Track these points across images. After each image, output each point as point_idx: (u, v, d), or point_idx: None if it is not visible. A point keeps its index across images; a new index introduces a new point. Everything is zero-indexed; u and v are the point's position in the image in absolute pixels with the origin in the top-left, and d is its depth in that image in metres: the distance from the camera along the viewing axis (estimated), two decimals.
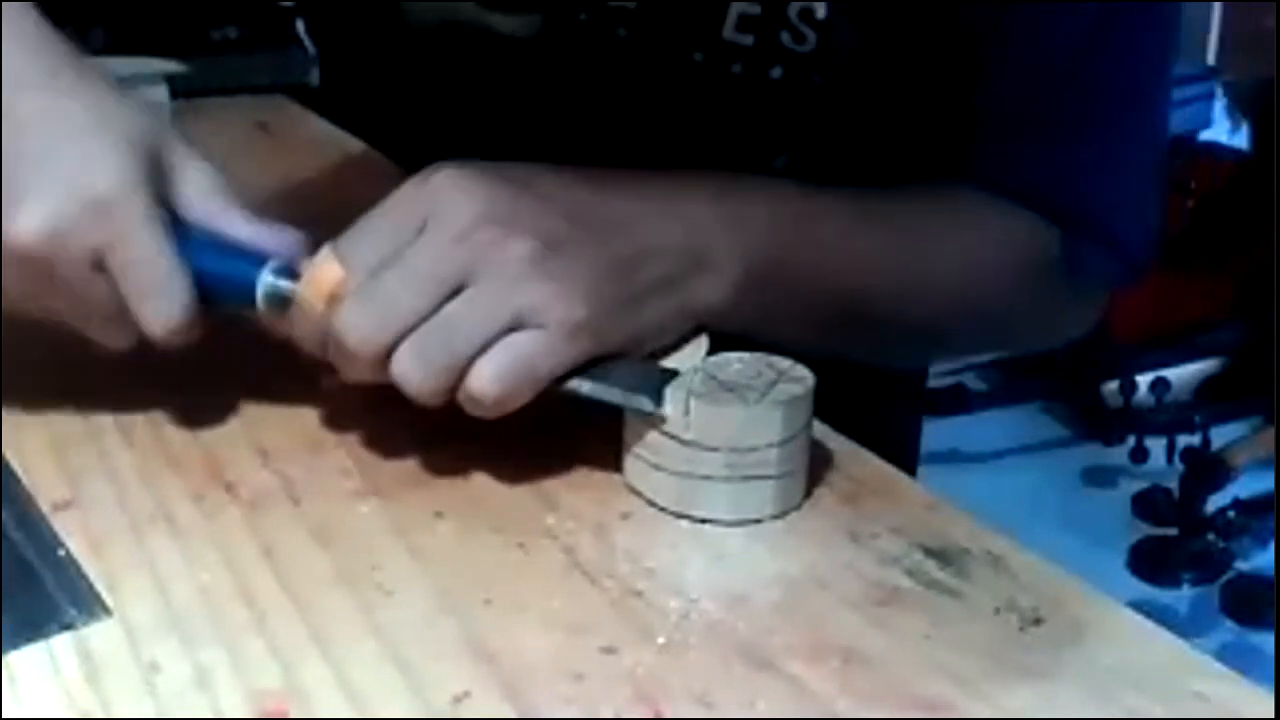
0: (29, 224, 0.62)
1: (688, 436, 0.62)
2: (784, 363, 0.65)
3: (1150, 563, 2.37)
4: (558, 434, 0.68)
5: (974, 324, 0.84)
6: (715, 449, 0.62)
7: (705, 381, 0.64)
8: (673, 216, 0.68)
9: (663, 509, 0.63)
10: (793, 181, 0.75)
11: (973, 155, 0.81)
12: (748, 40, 0.81)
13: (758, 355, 0.66)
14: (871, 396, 0.85)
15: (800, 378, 0.64)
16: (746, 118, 0.83)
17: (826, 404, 0.66)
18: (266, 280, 0.65)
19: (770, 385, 0.63)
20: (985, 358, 2.75)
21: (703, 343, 0.68)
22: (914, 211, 0.79)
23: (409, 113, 0.95)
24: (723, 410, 0.62)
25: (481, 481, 0.65)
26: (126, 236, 0.63)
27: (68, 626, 0.55)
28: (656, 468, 0.63)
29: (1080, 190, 0.82)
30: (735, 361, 0.65)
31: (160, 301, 0.65)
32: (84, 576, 0.58)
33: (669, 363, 0.65)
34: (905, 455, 0.98)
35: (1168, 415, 2.48)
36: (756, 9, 0.80)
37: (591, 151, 0.70)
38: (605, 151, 0.70)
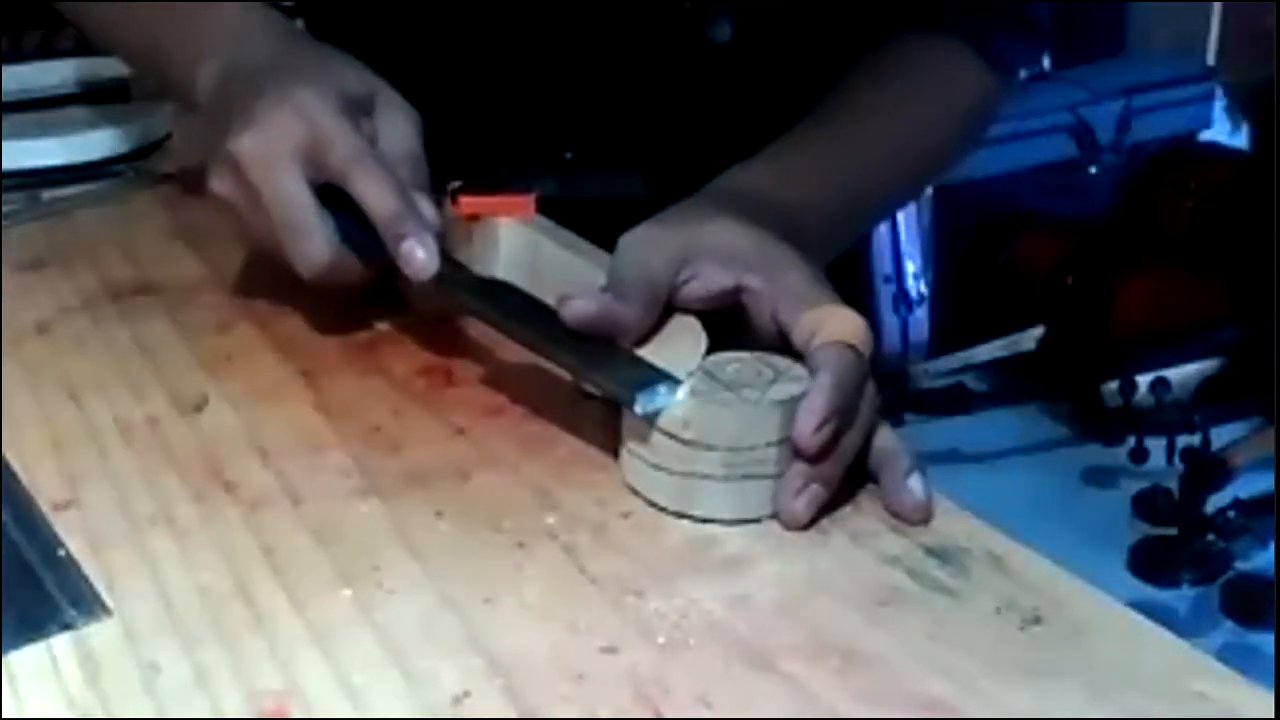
0: (241, 146, 0.74)
1: (686, 436, 0.62)
2: (782, 362, 0.65)
3: (1150, 563, 2.37)
4: (558, 434, 0.68)
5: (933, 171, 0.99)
6: (714, 448, 0.62)
7: (704, 380, 0.64)
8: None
9: (662, 509, 0.63)
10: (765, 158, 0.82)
11: None
12: None
13: (756, 354, 0.66)
14: None
15: (798, 377, 0.64)
16: None
17: None
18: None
19: (769, 384, 0.63)
20: (984, 358, 2.75)
21: (701, 341, 0.68)
22: (869, 113, 0.88)
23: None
24: (721, 409, 0.62)
25: (481, 481, 0.65)
26: (270, 180, 0.73)
27: (68, 626, 0.55)
28: (655, 467, 0.63)
29: None
30: (734, 360, 0.65)
31: (301, 242, 0.73)
32: (84, 576, 0.58)
33: (667, 361, 0.65)
34: None
35: (1168, 415, 2.48)
36: None
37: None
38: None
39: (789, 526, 0.62)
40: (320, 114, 0.74)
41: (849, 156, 0.86)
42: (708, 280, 0.69)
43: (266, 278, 0.80)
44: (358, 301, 0.78)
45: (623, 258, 0.69)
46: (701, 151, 0.87)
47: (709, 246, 0.69)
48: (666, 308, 0.69)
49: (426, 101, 0.93)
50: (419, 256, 0.72)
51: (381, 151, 0.76)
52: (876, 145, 0.88)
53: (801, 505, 0.62)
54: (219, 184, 0.76)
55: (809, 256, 0.71)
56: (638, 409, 0.63)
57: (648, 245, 0.70)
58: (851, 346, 0.64)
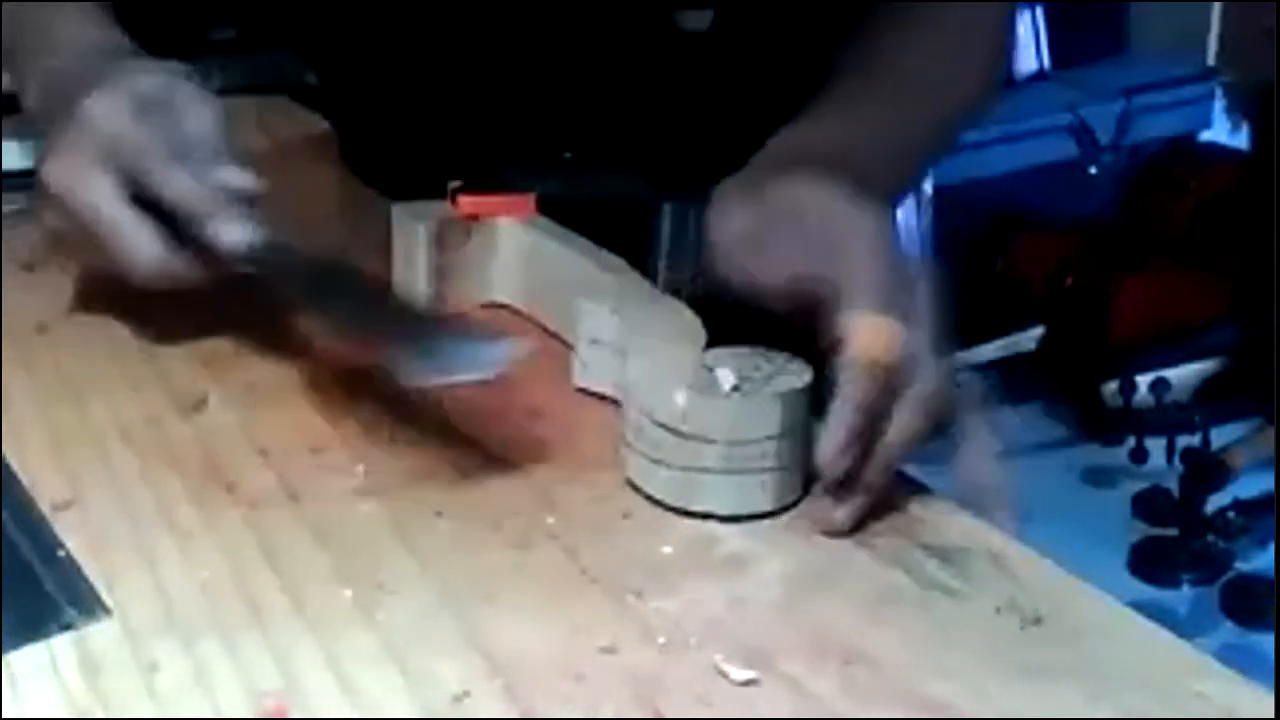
0: (49, 172, 0.75)
1: (686, 429, 0.62)
2: (781, 356, 0.65)
3: (1150, 563, 2.37)
4: (558, 434, 0.68)
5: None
6: (713, 441, 0.62)
7: (702, 374, 0.64)
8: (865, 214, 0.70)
9: (661, 503, 0.63)
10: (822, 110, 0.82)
11: None
12: None
13: (755, 348, 0.66)
14: None
15: (798, 371, 0.64)
16: None
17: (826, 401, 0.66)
18: None
19: (768, 378, 0.63)
20: (984, 358, 2.75)
21: (700, 335, 0.68)
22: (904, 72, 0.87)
23: (405, 100, 0.95)
24: (720, 403, 0.62)
25: (481, 481, 0.65)
26: (81, 194, 0.74)
27: (68, 626, 0.55)
28: (655, 462, 0.63)
29: None
30: (733, 354, 0.65)
31: (126, 246, 0.73)
32: (84, 577, 0.58)
33: (666, 358, 0.65)
34: None
35: (1168, 415, 2.47)
36: None
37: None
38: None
39: (831, 534, 0.62)
40: (111, 122, 0.74)
41: (896, 107, 0.85)
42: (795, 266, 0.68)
43: None
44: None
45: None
46: (700, 150, 0.86)
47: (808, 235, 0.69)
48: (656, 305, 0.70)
49: (428, 102, 0.93)
50: (232, 231, 0.73)
51: (184, 137, 0.76)
52: (920, 98, 0.87)
53: (843, 514, 0.62)
54: (49, 217, 0.76)
55: (883, 217, 0.71)
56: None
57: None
58: (876, 361, 0.62)
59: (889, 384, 0.63)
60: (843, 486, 0.62)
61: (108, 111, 0.75)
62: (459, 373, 0.64)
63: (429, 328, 0.68)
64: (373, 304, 0.70)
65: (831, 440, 0.62)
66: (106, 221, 0.73)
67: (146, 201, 0.74)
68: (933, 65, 0.88)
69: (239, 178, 0.75)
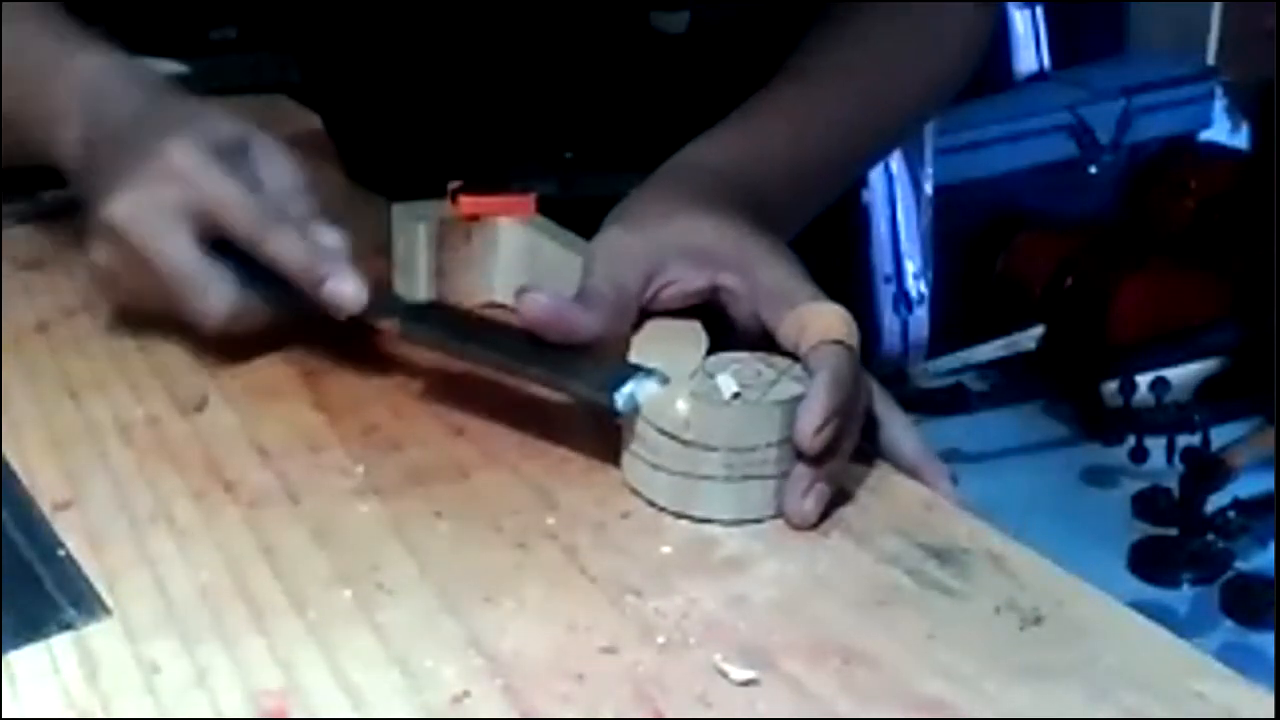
0: (114, 212, 0.71)
1: (687, 437, 0.62)
2: (783, 362, 0.65)
3: (1150, 563, 2.37)
4: (558, 434, 0.68)
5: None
6: (714, 449, 0.62)
7: (704, 381, 0.64)
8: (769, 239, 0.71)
9: (662, 509, 0.63)
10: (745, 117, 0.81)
11: None
12: None
13: (757, 354, 0.66)
14: None
15: (799, 377, 0.64)
16: None
17: None
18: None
19: (769, 385, 0.63)
20: (984, 358, 2.75)
21: (702, 342, 0.68)
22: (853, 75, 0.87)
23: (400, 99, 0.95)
24: (722, 410, 0.62)
25: (481, 481, 0.65)
26: (155, 242, 0.71)
27: (68, 626, 0.55)
28: (656, 468, 0.63)
29: None
30: (734, 361, 0.65)
31: (200, 300, 0.71)
32: (84, 576, 0.58)
33: (667, 363, 0.65)
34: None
35: (1168, 415, 2.48)
36: None
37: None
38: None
39: (799, 526, 0.62)
40: (197, 169, 0.72)
41: (821, 116, 0.84)
42: (683, 284, 0.69)
43: None
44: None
45: (593, 266, 0.69)
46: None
47: (680, 248, 0.69)
48: (642, 312, 0.69)
49: (427, 103, 0.94)
50: (345, 291, 0.71)
51: (268, 192, 0.74)
52: (850, 100, 0.86)
53: (810, 504, 0.62)
54: (100, 255, 0.73)
55: (779, 237, 0.72)
56: (618, 406, 0.63)
57: (619, 254, 0.69)
58: (842, 342, 0.64)
59: (854, 365, 0.64)
60: (814, 463, 0.62)
61: (189, 157, 0.72)
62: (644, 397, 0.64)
63: (592, 357, 0.67)
64: (516, 337, 0.67)
65: (811, 416, 0.61)
66: (180, 270, 0.71)
67: (219, 247, 0.72)
68: (876, 64, 0.87)
69: (333, 238, 0.73)
